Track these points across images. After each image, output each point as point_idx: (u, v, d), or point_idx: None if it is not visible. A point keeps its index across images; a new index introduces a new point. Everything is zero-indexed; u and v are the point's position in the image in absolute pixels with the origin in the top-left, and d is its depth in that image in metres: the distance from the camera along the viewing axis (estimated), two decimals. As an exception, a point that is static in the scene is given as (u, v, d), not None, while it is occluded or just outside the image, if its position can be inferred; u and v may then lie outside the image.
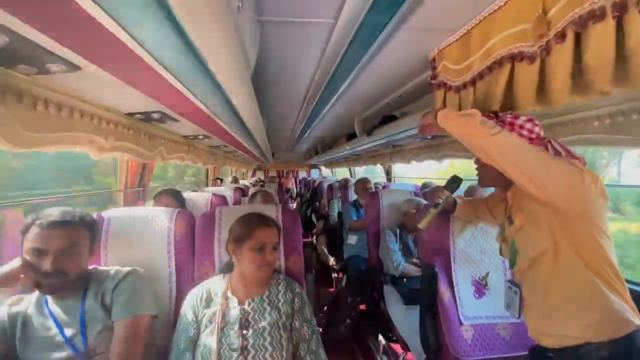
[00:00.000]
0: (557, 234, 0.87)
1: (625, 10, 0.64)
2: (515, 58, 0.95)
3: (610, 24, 0.67)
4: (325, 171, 9.85)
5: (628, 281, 1.33)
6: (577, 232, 0.85)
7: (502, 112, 1.01)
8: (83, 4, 0.51)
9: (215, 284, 1.12)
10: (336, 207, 3.89)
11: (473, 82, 1.15)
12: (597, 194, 0.81)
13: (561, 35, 0.79)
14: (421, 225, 1.32)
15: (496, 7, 1.01)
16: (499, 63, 1.01)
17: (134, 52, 0.71)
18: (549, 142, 0.94)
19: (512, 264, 1.03)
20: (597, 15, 0.69)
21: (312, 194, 6.06)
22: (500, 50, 1.00)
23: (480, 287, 1.35)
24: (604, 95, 0.72)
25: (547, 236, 0.88)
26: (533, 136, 0.94)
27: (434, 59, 1.39)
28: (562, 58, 0.79)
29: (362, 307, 2.53)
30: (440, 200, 1.31)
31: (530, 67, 0.90)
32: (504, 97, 1.01)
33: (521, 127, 0.94)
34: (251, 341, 1.01)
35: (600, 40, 0.69)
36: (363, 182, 3.19)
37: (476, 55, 1.12)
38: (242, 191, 3.34)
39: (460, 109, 1.23)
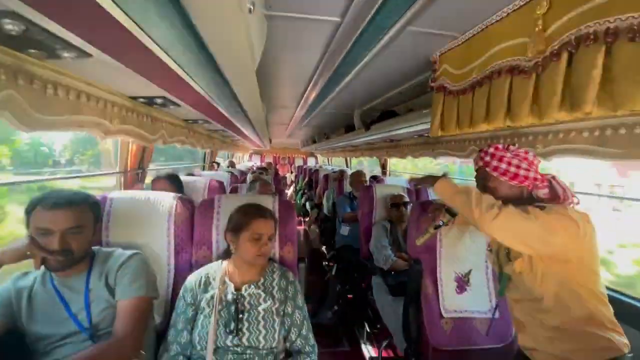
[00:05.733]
0: (550, 282, 0.97)
1: (616, 37, 0.69)
2: (512, 70, 0.98)
3: (601, 48, 0.72)
4: (321, 159, 9.87)
5: (614, 290, 1.41)
6: (569, 278, 0.95)
7: (500, 129, 1.06)
8: None
9: (214, 270, 1.17)
10: (330, 197, 3.92)
11: (472, 88, 1.18)
12: (588, 239, 0.93)
13: (557, 54, 0.83)
14: (418, 242, 1.35)
15: (498, 18, 1.04)
16: (497, 73, 1.04)
17: (145, 45, 0.74)
18: (553, 178, 1.04)
19: (502, 292, 1.12)
20: (590, 39, 0.74)
21: (308, 183, 6.11)
22: (499, 60, 1.04)
23: (463, 283, 1.42)
24: (586, 115, 0.77)
25: (543, 285, 0.98)
26: (539, 177, 1.04)
27: (435, 62, 1.42)
28: (554, 75, 0.83)
29: (350, 295, 2.63)
30: (441, 223, 1.29)
31: (526, 80, 0.94)
32: (500, 107, 1.05)
33: (526, 177, 1.03)
34: (246, 324, 1.07)
35: (590, 62, 0.74)
36: (358, 175, 3.22)
37: (476, 62, 1.15)
38: (237, 177, 3.37)
39: (458, 114, 1.26)
